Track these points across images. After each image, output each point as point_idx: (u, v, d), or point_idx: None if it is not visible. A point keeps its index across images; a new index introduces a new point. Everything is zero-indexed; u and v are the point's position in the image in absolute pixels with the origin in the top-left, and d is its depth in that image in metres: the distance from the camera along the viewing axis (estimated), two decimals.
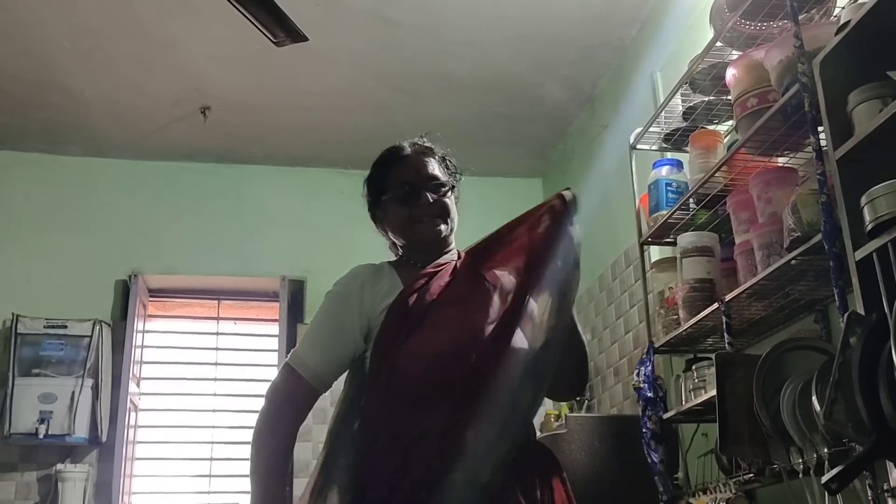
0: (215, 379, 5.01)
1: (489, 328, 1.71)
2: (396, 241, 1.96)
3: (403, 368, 1.71)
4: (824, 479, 1.61)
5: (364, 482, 1.69)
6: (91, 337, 4.57)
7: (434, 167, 1.93)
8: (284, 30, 3.19)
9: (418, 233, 1.89)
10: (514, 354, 1.69)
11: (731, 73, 2.49)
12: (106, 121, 4.72)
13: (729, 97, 2.60)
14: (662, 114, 3.07)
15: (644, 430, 2.84)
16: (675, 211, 2.84)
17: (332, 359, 1.80)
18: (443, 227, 1.89)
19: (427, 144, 1.98)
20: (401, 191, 1.90)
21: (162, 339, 5.13)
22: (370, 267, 1.89)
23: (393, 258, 1.97)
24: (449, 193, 1.92)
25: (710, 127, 2.97)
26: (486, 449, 1.62)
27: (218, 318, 5.16)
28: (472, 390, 1.64)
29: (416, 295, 1.77)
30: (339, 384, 1.85)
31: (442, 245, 1.91)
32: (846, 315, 1.73)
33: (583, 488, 2.47)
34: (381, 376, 1.73)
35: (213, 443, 4.87)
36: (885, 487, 1.73)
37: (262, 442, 1.76)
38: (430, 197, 1.88)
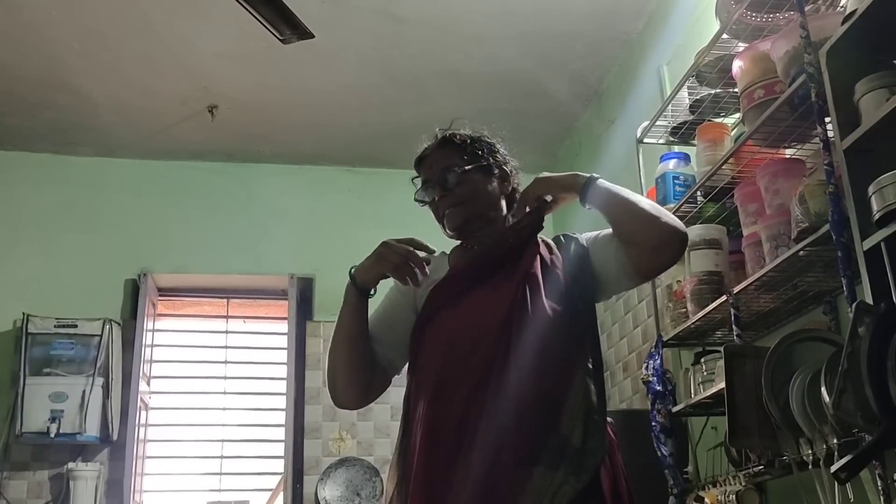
0: (225, 377, 5.03)
1: (512, 308, 1.73)
2: None
3: (425, 350, 1.79)
4: (833, 468, 1.61)
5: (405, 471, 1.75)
6: (101, 336, 4.58)
7: (450, 156, 1.95)
8: (291, 27, 3.19)
9: (446, 225, 1.95)
10: (538, 333, 1.71)
11: (737, 65, 2.49)
12: (114, 121, 4.74)
13: (735, 89, 2.59)
14: (669, 107, 3.07)
15: (653, 424, 2.83)
16: (682, 204, 2.83)
17: (381, 321, 1.91)
18: (465, 212, 1.91)
19: (447, 134, 1.99)
20: (423, 188, 1.97)
21: (172, 337, 5.16)
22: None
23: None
24: (470, 175, 1.93)
25: (717, 119, 2.96)
26: (511, 436, 1.63)
27: (227, 317, 5.19)
28: (491, 373, 1.68)
29: (450, 278, 1.86)
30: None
31: (472, 229, 1.93)
32: (854, 305, 1.73)
33: None
34: (413, 358, 1.83)
35: (223, 441, 4.89)
36: (895, 477, 1.73)
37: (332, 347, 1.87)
38: (442, 191, 1.92)
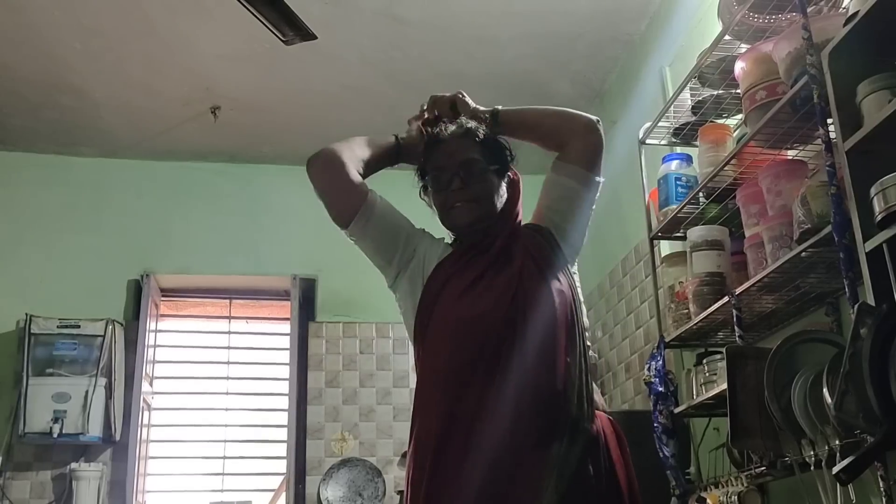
0: (227, 378, 5.03)
1: (514, 299, 1.79)
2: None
3: (432, 342, 1.82)
4: (835, 469, 1.61)
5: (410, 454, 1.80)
6: (104, 336, 4.59)
7: (472, 149, 1.92)
8: (293, 28, 3.19)
9: (453, 218, 1.92)
10: (540, 322, 1.76)
11: (739, 67, 2.49)
12: (117, 121, 4.74)
13: (738, 91, 2.59)
14: (671, 108, 3.06)
15: (655, 425, 2.83)
16: (684, 205, 2.83)
17: (388, 210, 1.96)
18: (478, 211, 1.90)
19: (468, 126, 1.96)
20: (435, 175, 1.93)
21: (174, 338, 5.16)
22: (438, 237, 2.01)
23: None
24: (489, 175, 1.92)
25: (719, 121, 2.96)
26: (526, 423, 1.68)
27: (230, 318, 5.19)
28: (498, 363, 1.73)
29: (450, 267, 1.88)
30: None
31: (479, 227, 1.92)
32: (856, 306, 1.73)
33: None
34: (419, 347, 1.86)
35: (225, 441, 4.89)
36: None
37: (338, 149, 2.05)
38: (462, 182, 1.89)
